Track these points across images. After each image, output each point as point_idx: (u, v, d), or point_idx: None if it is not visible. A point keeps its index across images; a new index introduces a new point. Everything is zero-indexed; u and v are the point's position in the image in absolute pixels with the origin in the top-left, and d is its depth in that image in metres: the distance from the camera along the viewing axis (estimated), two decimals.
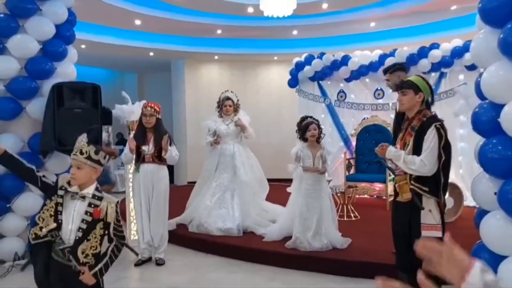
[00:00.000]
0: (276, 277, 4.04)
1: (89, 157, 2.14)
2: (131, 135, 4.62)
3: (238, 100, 5.52)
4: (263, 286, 3.83)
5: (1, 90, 4.44)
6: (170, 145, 4.37)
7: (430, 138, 2.70)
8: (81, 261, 2.11)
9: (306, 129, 4.38)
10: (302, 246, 4.28)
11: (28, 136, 4.55)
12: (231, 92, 5.57)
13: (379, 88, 7.06)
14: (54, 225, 2.12)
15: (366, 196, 6.78)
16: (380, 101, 7.06)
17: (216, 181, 5.32)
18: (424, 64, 6.52)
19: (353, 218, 5.72)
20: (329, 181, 6.51)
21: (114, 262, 2.21)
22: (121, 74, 11.51)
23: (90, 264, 2.13)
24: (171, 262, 4.48)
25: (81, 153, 2.14)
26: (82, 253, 2.11)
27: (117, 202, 2.21)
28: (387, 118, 6.72)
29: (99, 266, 2.13)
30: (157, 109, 4.41)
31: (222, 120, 5.44)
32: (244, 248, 4.61)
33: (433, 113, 2.93)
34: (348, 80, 7.23)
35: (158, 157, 4.38)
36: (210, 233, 4.97)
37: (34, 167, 2.27)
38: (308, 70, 7.44)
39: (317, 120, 4.52)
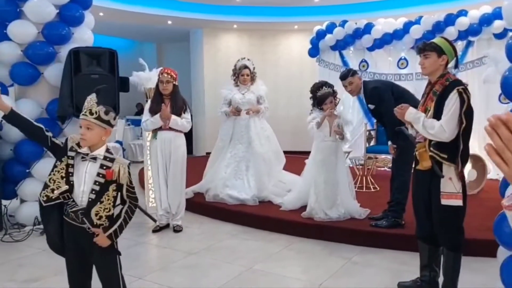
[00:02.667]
0: (292, 245, 4.02)
1: (98, 118, 2.09)
2: (149, 102, 4.58)
3: (254, 68, 5.33)
4: (278, 254, 3.82)
5: (18, 55, 4.45)
6: (184, 112, 4.33)
7: (452, 103, 2.56)
8: (94, 223, 2.09)
9: (322, 101, 4.25)
10: (317, 216, 4.23)
11: (46, 102, 4.58)
12: (248, 60, 5.36)
13: (403, 57, 6.81)
14: (66, 187, 2.08)
15: (386, 168, 6.65)
16: (404, 71, 6.83)
17: (230, 152, 5.24)
18: (451, 32, 6.22)
19: (372, 190, 5.63)
20: (348, 153, 6.43)
21: (128, 225, 2.19)
22: (140, 44, 11.45)
23: (104, 226, 2.11)
24: (188, 229, 4.52)
25: (91, 113, 2.09)
26: (96, 215, 2.09)
27: (129, 163, 2.17)
28: (411, 89, 6.46)
29: (114, 228, 2.11)
30: (174, 75, 4.33)
31: (238, 89, 5.25)
32: (260, 216, 4.60)
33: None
34: (370, 49, 6.99)
35: None
36: (226, 203, 4.97)
37: (43, 126, 2.23)
38: (329, 39, 7.22)
39: (330, 87, 4.34)
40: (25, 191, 4.49)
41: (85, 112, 2.10)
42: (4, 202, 4.48)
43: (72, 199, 2.10)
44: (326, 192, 4.23)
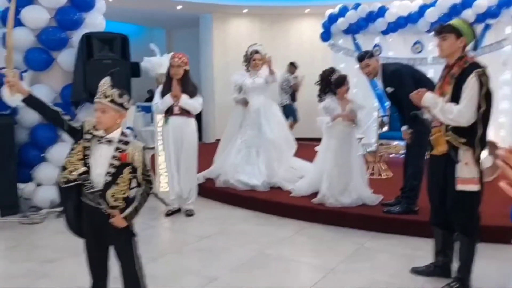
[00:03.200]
0: (303, 231, 4.03)
1: (112, 101, 2.10)
2: (159, 87, 4.58)
3: (266, 54, 5.26)
4: (290, 239, 3.83)
5: (32, 41, 4.47)
6: (195, 96, 4.33)
7: (470, 86, 2.50)
8: (111, 205, 2.12)
9: (340, 83, 4.20)
10: (329, 202, 4.22)
11: (60, 87, 4.61)
12: (260, 45, 5.32)
13: (418, 41, 6.67)
14: (84, 168, 2.11)
15: (399, 156, 6.59)
16: (419, 55, 6.70)
17: (241, 137, 5.21)
18: (468, 15, 6.05)
19: (384, 177, 5.59)
20: (361, 139, 6.38)
21: (143, 207, 2.21)
22: (150, 30, 11.42)
23: (120, 208, 2.14)
24: (199, 213, 4.55)
25: (105, 96, 2.10)
26: (112, 196, 2.12)
27: (143, 146, 2.18)
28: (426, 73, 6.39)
29: (129, 209, 2.14)
30: (185, 60, 4.32)
31: (249, 74, 5.21)
32: (271, 202, 4.61)
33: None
34: (384, 33, 6.86)
35: (186, 110, 4.34)
36: (236, 189, 4.98)
37: (59, 110, 2.24)
38: (342, 23, 7.10)
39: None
40: (41, 175, 4.55)
41: (100, 95, 2.11)
42: (20, 185, 4.56)
43: (89, 181, 2.12)
44: (339, 178, 4.21)
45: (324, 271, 3.12)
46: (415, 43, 6.72)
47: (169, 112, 4.39)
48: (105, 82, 2.13)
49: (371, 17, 6.84)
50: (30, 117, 4.53)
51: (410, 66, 4.42)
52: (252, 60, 5.15)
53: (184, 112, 4.35)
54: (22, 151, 4.59)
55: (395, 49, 6.97)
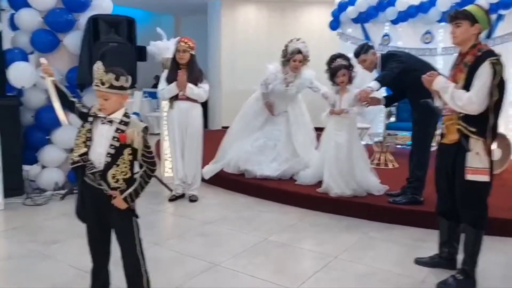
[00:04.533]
0: (306, 218, 4.01)
1: (111, 86, 2.06)
2: (165, 73, 4.53)
3: (308, 51, 4.69)
4: (293, 226, 3.81)
5: (38, 22, 4.44)
6: (201, 81, 4.28)
7: (483, 74, 2.43)
8: (112, 186, 2.11)
9: (334, 74, 4.13)
10: (333, 192, 4.18)
11: (65, 70, 4.59)
12: (302, 42, 4.69)
13: (428, 31, 6.56)
14: (84, 149, 2.12)
15: (406, 146, 6.53)
16: (428, 45, 6.60)
17: (262, 128, 4.97)
18: (481, 4, 5.94)
19: (391, 167, 5.54)
20: (367, 128, 6.33)
21: (144, 193, 2.19)
22: (158, 16, 11.36)
23: (121, 189, 2.12)
24: (203, 199, 4.54)
25: (102, 83, 2.06)
26: (113, 177, 2.10)
27: (145, 127, 2.14)
28: (435, 64, 6.29)
29: (129, 190, 2.12)
30: (191, 44, 4.27)
31: (284, 76, 4.71)
32: (275, 189, 4.58)
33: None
34: (394, 22, 6.76)
35: None
36: (243, 176, 4.92)
37: (67, 92, 2.30)
38: (351, 11, 7.00)
39: (346, 59, 4.18)
40: (46, 157, 4.56)
41: (97, 83, 2.07)
42: (25, 167, 4.57)
43: (90, 161, 2.11)
44: (339, 168, 4.16)
45: (326, 258, 3.10)
46: (425, 33, 6.62)
47: (174, 97, 4.35)
48: (98, 68, 2.08)
49: (382, 5, 6.74)
50: (35, 99, 4.53)
51: (411, 54, 4.26)
52: (292, 60, 4.62)
53: (190, 98, 4.31)
54: (27, 133, 4.60)
55: (405, 39, 6.88)
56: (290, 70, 4.67)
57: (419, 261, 2.99)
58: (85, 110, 2.20)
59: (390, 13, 6.64)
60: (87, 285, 2.34)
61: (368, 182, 4.24)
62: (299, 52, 4.60)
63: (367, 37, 7.10)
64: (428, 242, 3.24)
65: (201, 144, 4.50)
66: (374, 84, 3.74)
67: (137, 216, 2.21)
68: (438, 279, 2.71)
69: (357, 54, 3.97)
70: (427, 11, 6.25)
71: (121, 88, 2.09)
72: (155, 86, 10.11)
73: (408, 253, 3.18)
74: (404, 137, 6.32)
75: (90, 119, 2.15)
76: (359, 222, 3.89)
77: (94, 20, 4.36)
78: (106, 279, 2.34)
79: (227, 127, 5.58)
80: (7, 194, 4.19)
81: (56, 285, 2.66)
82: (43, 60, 2.44)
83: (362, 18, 7.01)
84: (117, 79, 2.07)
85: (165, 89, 4.35)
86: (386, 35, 7.01)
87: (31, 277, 2.77)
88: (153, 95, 9.28)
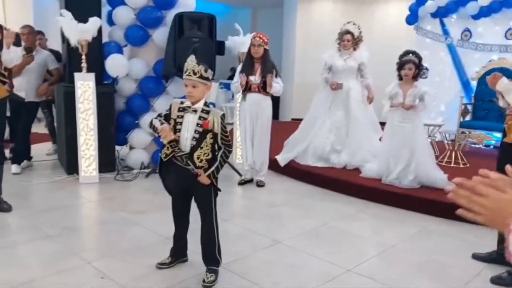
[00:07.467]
0: (367, 210, 4.15)
1: (201, 76, 2.42)
2: (239, 66, 4.88)
3: (360, 32, 5.19)
4: (353, 215, 3.98)
5: (132, 18, 5.01)
6: (276, 76, 4.57)
7: None
8: (197, 165, 2.48)
9: (401, 66, 4.27)
10: (396, 182, 4.33)
11: (153, 62, 5.12)
12: (353, 24, 5.24)
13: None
14: (173, 136, 2.48)
15: (481, 146, 6.31)
16: None
17: (330, 118, 5.24)
18: None
19: (461, 166, 5.43)
20: (440, 126, 6.21)
21: (223, 168, 2.54)
22: (235, 10, 11.82)
23: (204, 168, 2.49)
24: (269, 185, 4.86)
25: (194, 73, 2.41)
26: (198, 158, 2.48)
27: (223, 114, 2.49)
28: None
29: (212, 169, 2.48)
30: (265, 40, 4.56)
31: (339, 54, 5.19)
32: (339, 180, 4.75)
33: None
34: (475, 17, 6.49)
35: (264, 88, 4.59)
36: (328, 166, 5.12)
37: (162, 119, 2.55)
38: (430, 5, 6.84)
39: (418, 57, 4.29)
40: (134, 140, 5.17)
41: (189, 72, 2.43)
42: (117, 147, 5.22)
43: (178, 147, 2.49)
44: (401, 159, 4.29)
45: (383, 246, 3.25)
46: (509, 29, 6.29)
47: (247, 89, 4.69)
48: (191, 60, 2.44)
49: (463, 0, 6.50)
50: (127, 87, 5.13)
51: None
52: (342, 40, 5.17)
53: (261, 90, 4.63)
54: (119, 117, 5.22)
55: (487, 34, 6.58)
56: (342, 49, 5.18)
57: (476, 256, 3.04)
58: (166, 113, 2.56)
59: (472, 8, 6.40)
60: (167, 249, 2.78)
61: (430, 175, 4.27)
62: (347, 32, 5.14)
63: (446, 32, 6.91)
64: (487, 238, 3.22)
65: (269, 133, 4.81)
66: None
67: (219, 190, 2.57)
68: (493, 274, 2.76)
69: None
70: (511, 6, 5.95)
71: (207, 79, 2.46)
72: (231, 78, 10.60)
73: (465, 247, 3.22)
74: (479, 136, 6.11)
75: (180, 113, 2.49)
76: (420, 216, 3.96)
77: (180, 17, 4.81)
78: (185, 243, 2.77)
79: (296, 119, 5.81)
80: (101, 170, 4.82)
81: (141, 247, 3.12)
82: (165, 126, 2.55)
83: (441, 13, 6.82)
84: (206, 71, 2.43)
85: (235, 83, 4.72)
86: (466, 30, 6.75)
87: (121, 239, 3.28)
88: (228, 86, 9.74)
